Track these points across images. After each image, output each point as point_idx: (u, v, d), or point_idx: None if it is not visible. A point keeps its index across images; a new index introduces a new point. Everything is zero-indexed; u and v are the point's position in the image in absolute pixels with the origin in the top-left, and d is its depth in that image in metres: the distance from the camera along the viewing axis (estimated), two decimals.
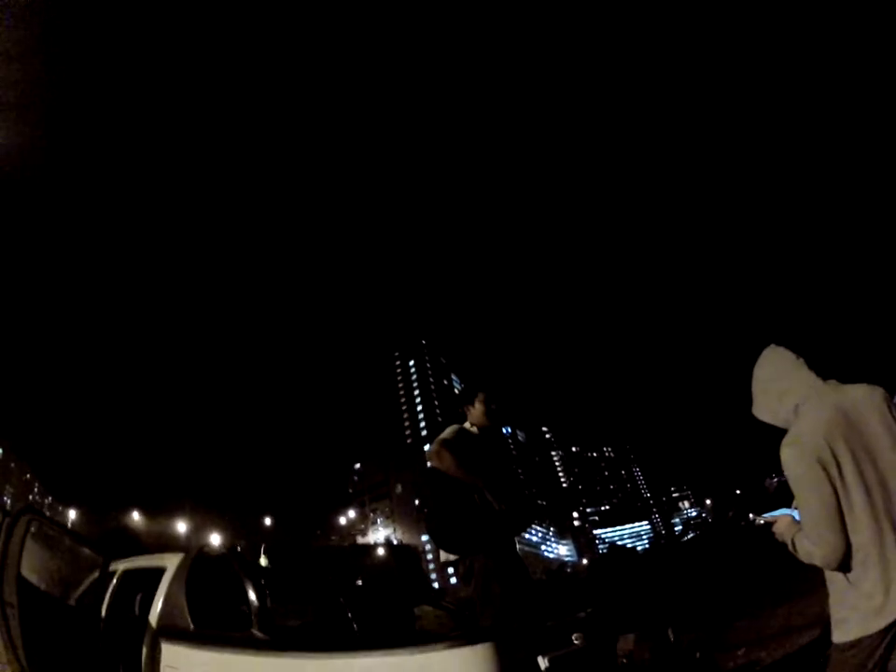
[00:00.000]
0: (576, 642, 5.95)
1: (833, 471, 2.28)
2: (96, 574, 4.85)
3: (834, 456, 2.29)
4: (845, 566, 2.28)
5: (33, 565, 4.39)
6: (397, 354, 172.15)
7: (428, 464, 4.60)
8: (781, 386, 2.56)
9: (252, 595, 3.88)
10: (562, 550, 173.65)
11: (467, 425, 4.83)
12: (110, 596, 5.02)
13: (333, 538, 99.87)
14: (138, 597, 5.11)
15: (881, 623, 2.17)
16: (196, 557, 4.63)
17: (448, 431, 4.80)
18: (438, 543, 4.43)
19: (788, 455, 2.40)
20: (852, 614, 2.27)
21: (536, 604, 4.57)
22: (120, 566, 5.37)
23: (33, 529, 4.49)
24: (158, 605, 4.34)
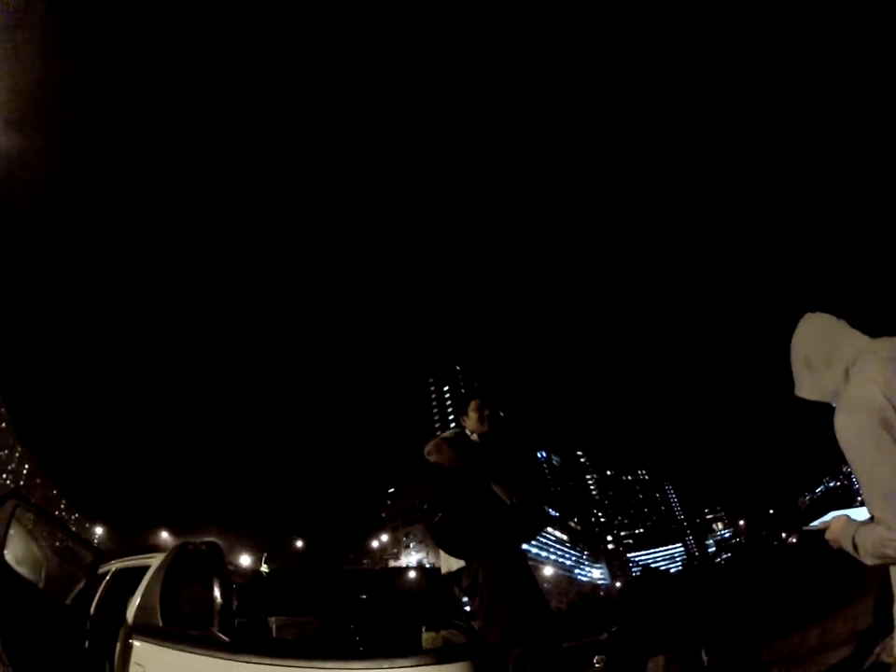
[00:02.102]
0: (596, 665, 5.69)
1: None
2: (87, 570, 4.74)
3: None
4: None
5: (19, 554, 4.30)
6: (431, 380, 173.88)
7: (428, 459, 4.35)
8: (825, 354, 2.21)
9: (216, 593, 3.69)
10: (595, 573, 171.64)
11: (466, 432, 4.68)
12: (101, 594, 4.92)
13: (365, 561, 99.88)
14: (130, 597, 4.96)
15: None
16: (177, 555, 4.46)
17: (448, 432, 4.72)
18: (442, 545, 4.11)
19: (843, 421, 2.03)
20: None
21: (548, 621, 4.26)
22: (114, 565, 5.28)
23: (25, 522, 4.43)
24: (135, 602, 4.23)
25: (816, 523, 2.31)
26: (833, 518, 2.18)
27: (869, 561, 1.98)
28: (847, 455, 2.01)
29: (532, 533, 4.59)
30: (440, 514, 4.01)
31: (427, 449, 4.38)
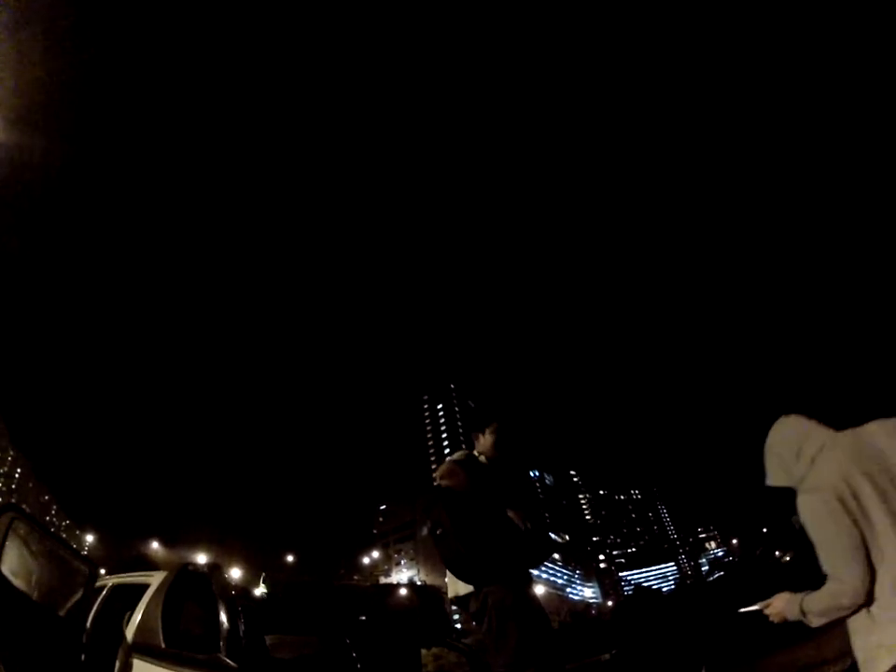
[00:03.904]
0: None
1: (852, 505, 2.29)
2: (82, 584, 4.69)
3: (854, 494, 2.31)
4: (870, 598, 2.26)
5: (14, 566, 4.24)
6: (426, 397, 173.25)
7: (441, 483, 4.22)
8: (797, 449, 2.59)
9: (223, 617, 3.66)
10: (587, 592, 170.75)
11: (475, 453, 4.57)
12: (97, 609, 4.88)
13: (356, 577, 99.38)
14: (127, 614, 4.91)
15: None
16: (178, 575, 4.43)
17: (458, 454, 4.59)
18: (452, 569, 4.00)
19: (804, 501, 2.44)
20: (880, 650, 2.25)
21: (554, 646, 4.20)
22: (110, 580, 5.26)
23: (21, 532, 4.36)
24: (136, 620, 4.21)
25: (754, 606, 2.72)
26: (776, 596, 2.60)
27: (817, 622, 2.41)
28: (807, 526, 2.40)
29: (541, 559, 4.47)
30: (452, 541, 3.91)
31: (439, 473, 4.28)
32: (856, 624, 2.36)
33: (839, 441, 2.50)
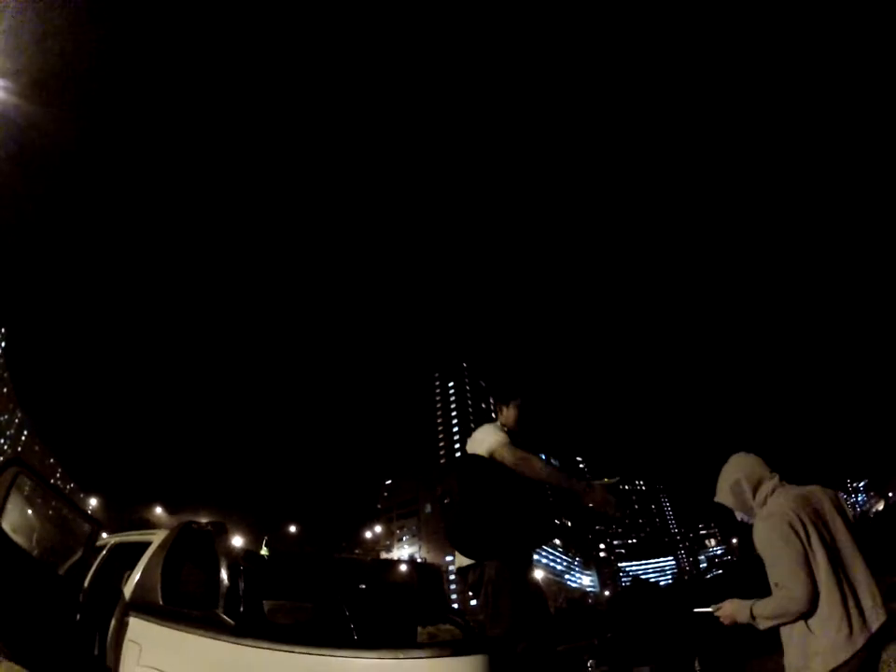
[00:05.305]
0: (590, 668, 5.63)
1: (801, 533, 2.73)
2: (84, 542, 4.70)
3: (802, 523, 2.75)
4: (812, 610, 2.65)
5: (16, 521, 4.23)
6: (437, 375, 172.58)
7: (482, 455, 4.07)
8: (755, 482, 3.06)
9: (223, 575, 3.62)
10: (585, 580, 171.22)
11: (497, 425, 4.46)
12: (97, 568, 4.85)
13: (357, 551, 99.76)
14: (126, 573, 4.91)
15: (850, 651, 2.54)
16: (181, 533, 4.39)
17: (490, 430, 4.42)
18: (452, 539, 3.94)
19: (762, 527, 2.89)
20: (815, 657, 2.62)
21: (548, 624, 4.19)
22: (112, 539, 5.24)
23: (25, 488, 4.36)
24: (134, 578, 4.13)
25: (707, 608, 3.07)
26: (727, 601, 2.99)
27: (764, 625, 2.79)
28: (762, 547, 2.86)
29: (543, 540, 4.44)
30: (458, 512, 3.88)
31: (496, 451, 4.04)
32: (793, 632, 2.74)
33: (787, 490, 2.97)
